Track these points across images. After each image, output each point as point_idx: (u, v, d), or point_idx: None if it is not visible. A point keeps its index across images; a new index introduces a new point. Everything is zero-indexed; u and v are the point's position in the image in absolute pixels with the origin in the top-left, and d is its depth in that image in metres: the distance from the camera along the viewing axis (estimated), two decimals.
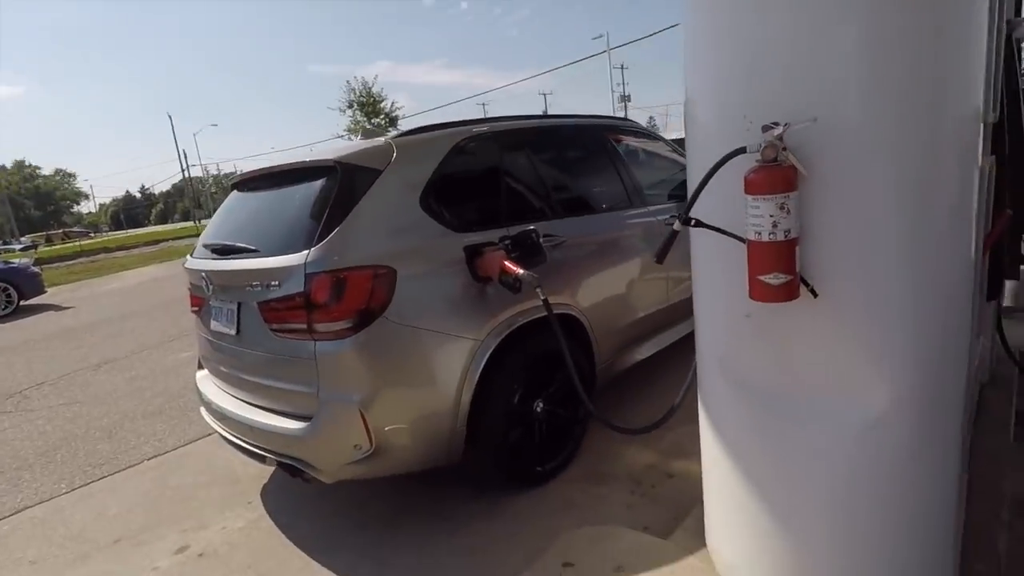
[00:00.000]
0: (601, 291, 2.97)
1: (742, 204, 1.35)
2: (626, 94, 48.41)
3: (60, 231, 57.44)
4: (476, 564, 2.21)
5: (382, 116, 30.66)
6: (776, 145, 1.21)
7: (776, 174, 1.23)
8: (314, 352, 2.13)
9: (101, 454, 3.76)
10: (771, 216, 1.24)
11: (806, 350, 1.39)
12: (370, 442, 2.14)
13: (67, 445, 3.98)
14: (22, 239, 47.68)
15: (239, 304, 2.42)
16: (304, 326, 2.12)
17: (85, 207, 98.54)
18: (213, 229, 2.83)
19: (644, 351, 3.34)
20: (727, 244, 1.42)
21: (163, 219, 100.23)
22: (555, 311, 2.54)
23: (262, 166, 2.74)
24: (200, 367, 3.05)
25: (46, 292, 11.79)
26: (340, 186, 2.24)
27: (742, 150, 1.27)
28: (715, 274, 1.55)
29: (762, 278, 1.29)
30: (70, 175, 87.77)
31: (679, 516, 2.29)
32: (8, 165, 77.43)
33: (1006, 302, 3.15)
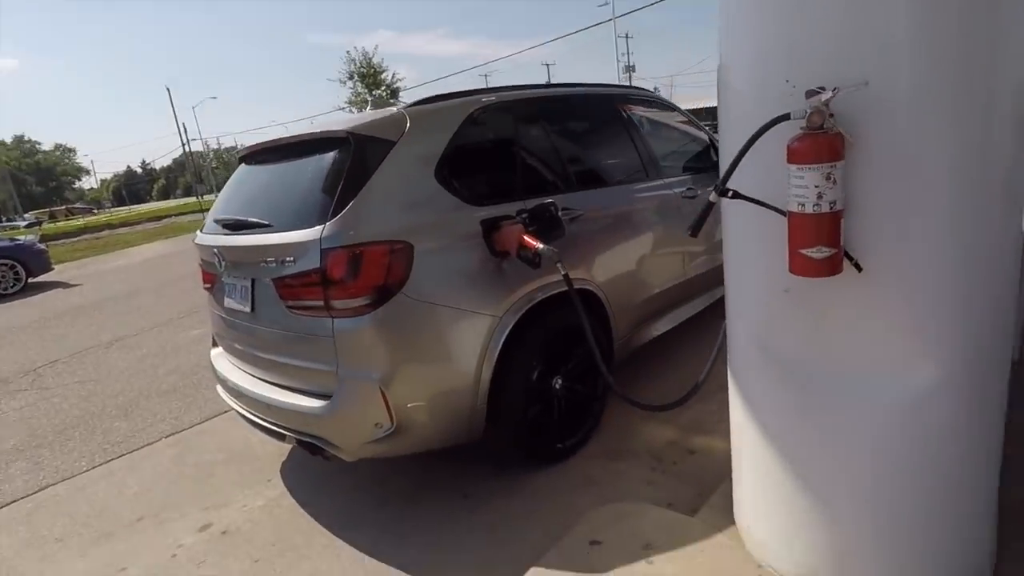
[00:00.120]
0: (618, 265, 2.91)
1: (781, 174, 1.29)
2: (631, 64, 47.49)
3: (63, 208, 57.35)
4: (496, 541, 2.22)
5: (383, 88, 30.14)
6: (823, 111, 1.14)
7: (822, 142, 1.17)
8: (332, 329, 2.09)
9: (118, 432, 3.78)
10: (816, 187, 1.18)
11: (847, 326, 1.34)
12: (391, 420, 2.12)
13: (84, 423, 4.01)
14: (25, 216, 47.68)
15: (253, 281, 2.38)
16: (321, 303, 2.09)
17: (87, 183, 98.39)
18: (223, 203, 2.78)
19: (660, 326, 3.30)
20: (763, 216, 1.36)
21: (165, 194, 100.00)
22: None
23: (270, 138, 2.67)
24: (215, 345, 3.03)
25: (53, 269, 11.80)
26: (353, 158, 2.18)
27: (786, 116, 1.20)
28: (750, 247, 1.49)
29: (804, 252, 1.24)
30: (70, 150, 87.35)
31: (703, 493, 2.28)
32: (8, 140, 76.98)
33: None
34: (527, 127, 2.75)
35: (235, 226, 2.49)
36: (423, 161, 2.28)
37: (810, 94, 1.18)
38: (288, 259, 2.13)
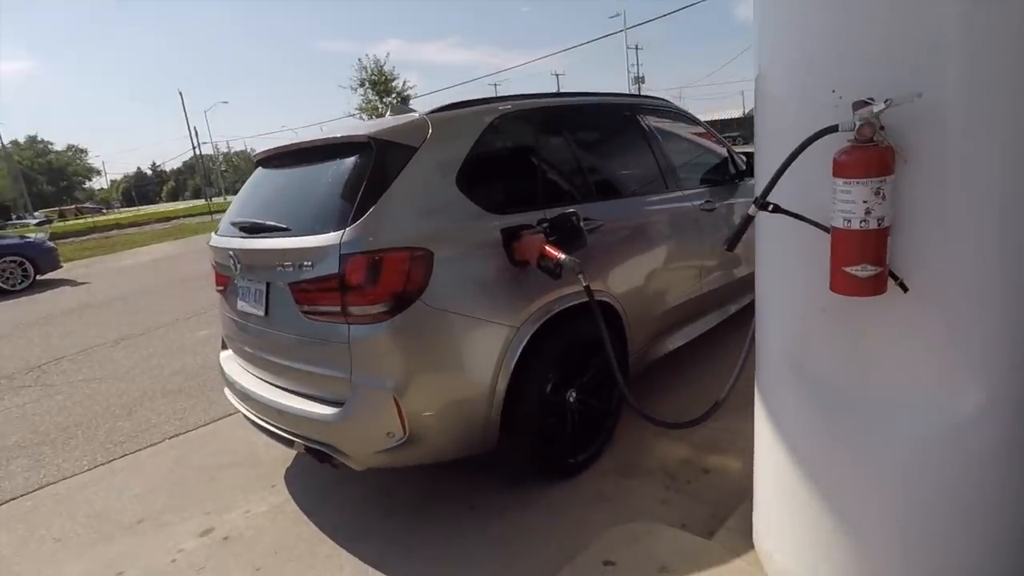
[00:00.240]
0: (636, 278, 2.87)
1: (821, 188, 1.25)
2: (640, 75, 47.74)
3: (73, 207, 57.74)
4: (510, 555, 2.16)
5: (394, 95, 30.37)
6: (874, 124, 1.10)
7: (872, 155, 1.12)
8: (347, 336, 2.05)
9: (122, 431, 3.74)
10: (864, 202, 1.13)
11: (887, 347, 1.30)
12: (404, 430, 2.07)
13: (87, 422, 3.97)
14: (35, 214, 47.99)
15: (268, 284, 2.34)
16: (338, 309, 2.05)
17: (97, 183, 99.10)
18: (239, 206, 2.75)
19: (675, 341, 3.25)
20: (801, 231, 1.32)
21: (174, 196, 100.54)
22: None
23: (288, 142, 2.65)
24: (224, 347, 2.99)
25: (62, 267, 11.83)
26: (375, 163, 2.15)
27: (834, 128, 1.16)
28: (786, 264, 1.45)
29: (848, 270, 1.19)
30: (82, 151, 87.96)
31: (718, 515, 2.22)
32: (21, 140, 77.65)
33: None
34: (548, 135, 2.72)
35: (252, 229, 2.46)
36: (444, 168, 2.25)
37: (858, 105, 1.15)
38: (306, 264, 2.10)
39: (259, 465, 3.07)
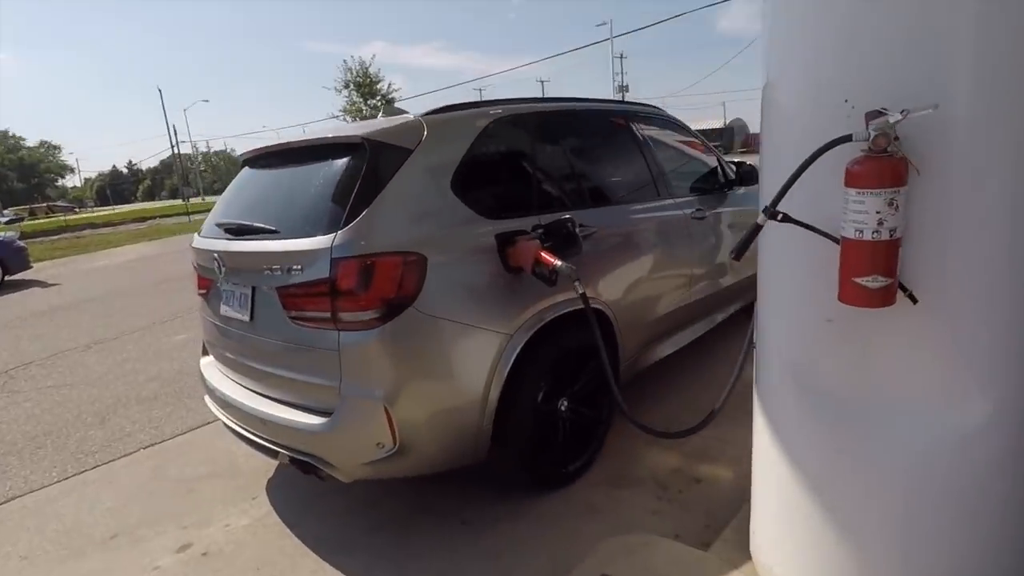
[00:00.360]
0: (628, 285, 2.85)
1: (829, 198, 1.24)
2: (624, 84, 48.27)
3: (44, 205, 56.21)
4: (502, 569, 2.10)
5: (378, 97, 30.20)
6: (889, 134, 1.09)
7: (886, 166, 1.11)
8: (337, 343, 1.99)
9: (94, 441, 3.60)
10: (877, 213, 1.12)
11: (895, 358, 1.28)
12: (394, 440, 2.01)
13: (57, 430, 3.81)
14: (5, 212, 46.65)
15: (254, 288, 2.26)
16: (327, 315, 1.98)
17: (70, 181, 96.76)
18: (224, 207, 2.67)
19: (664, 350, 3.23)
20: (808, 242, 1.30)
21: (150, 196, 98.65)
22: (581, 306, 2.41)
23: (276, 141, 2.58)
24: (205, 353, 2.90)
25: (31, 268, 11.48)
26: (368, 165, 2.09)
27: (848, 138, 1.14)
28: (790, 274, 1.43)
29: (859, 280, 1.17)
30: (55, 147, 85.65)
31: (712, 525, 2.20)
32: None
33: None
34: (542, 140, 2.69)
35: (238, 231, 2.38)
36: (440, 171, 2.20)
37: (871, 115, 1.13)
38: (295, 267, 2.03)
39: (239, 476, 2.98)
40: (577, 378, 2.56)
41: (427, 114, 2.35)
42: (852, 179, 1.14)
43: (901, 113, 1.07)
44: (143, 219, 32.33)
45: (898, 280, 1.19)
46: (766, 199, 1.42)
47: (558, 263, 2.12)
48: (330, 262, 1.94)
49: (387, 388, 1.99)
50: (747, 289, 3.98)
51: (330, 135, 2.33)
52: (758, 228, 1.30)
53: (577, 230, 2.34)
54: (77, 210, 59.53)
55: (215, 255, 2.39)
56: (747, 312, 4.11)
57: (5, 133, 78.05)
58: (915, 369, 1.26)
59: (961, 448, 1.24)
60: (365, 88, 29.66)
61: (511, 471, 2.41)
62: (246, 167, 2.79)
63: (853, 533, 1.40)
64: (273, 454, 2.27)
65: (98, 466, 3.26)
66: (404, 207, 2.09)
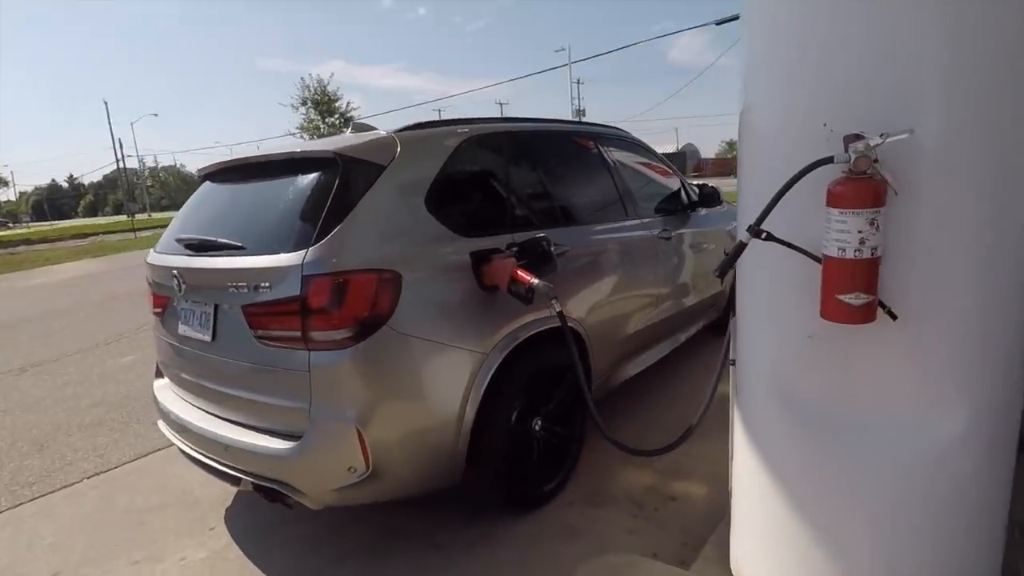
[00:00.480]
0: (599, 304, 2.86)
1: (810, 218, 1.27)
2: (581, 108, 49.36)
3: None
4: None
5: (336, 116, 29.92)
6: (869, 156, 1.13)
7: (866, 187, 1.15)
8: (307, 363, 1.91)
9: (31, 471, 3.34)
10: (859, 232, 1.15)
11: (875, 372, 1.32)
12: (367, 464, 1.93)
13: None
14: None
15: (216, 307, 2.16)
16: (297, 334, 1.91)
17: (2, 194, 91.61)
18: (184, 222, 2.55)
19: (632, 369, 3.26)
20: (788, 259, 1.33)
21: (92, 211, 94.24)
22: (555, 324, 2.41)
23: (241, 155, 2.50)
24: (159, 375, 2.75)
25: None
26: (340, 181, 2.04)
27: (829, 159, 1.18)
28: (772, 291, 1.46)
29: (841, 297, 1.20)
30: None
31: (688, 542, 2.20)
32: None
33: None
34: (516, 159, 2.70)
35: (200, 246, 2.28)
36: (413, 188, 2.17)
37: (850, 138, 1.17)
38: (263, 285, 1.95)
39: (195, 505, 2.81)
40: (551, 397, 2.54)
41: (400, 131, 2.32)
42: (834, 199, 1.18)
43: (881, 136, 1.11)
44: (84, 235, 30.82)
45: (878, 297, 1.23)
46: (746, 219, 1.45)
47: (535, 281, 2.11)
48: (301, 279, 1.88)
49: (360, 410, 1.92)
50: (708, 308, 4.07)
51: (298, 149, 2.27)
52: (742, 247, 1.32)
53: (552, 248, 2.34)
54: (11, 225, 56.30)
55: (174, 272, 2.28)
56: (709, 330, 4.21)
57: None
58: (895, 382, 1.30)
59: (941, 458, 1.28)
60: (323, 106, 29.37)
61: (486, 492, 2.35)
62: (207, 181, 2.69)
63: (838, 545, 1.41)
64: (235, 481, 2.15)
65: (36, 498, 3.03)
66: (377, 224, 2.04)
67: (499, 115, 3.37)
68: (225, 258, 2.12)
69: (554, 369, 2.51)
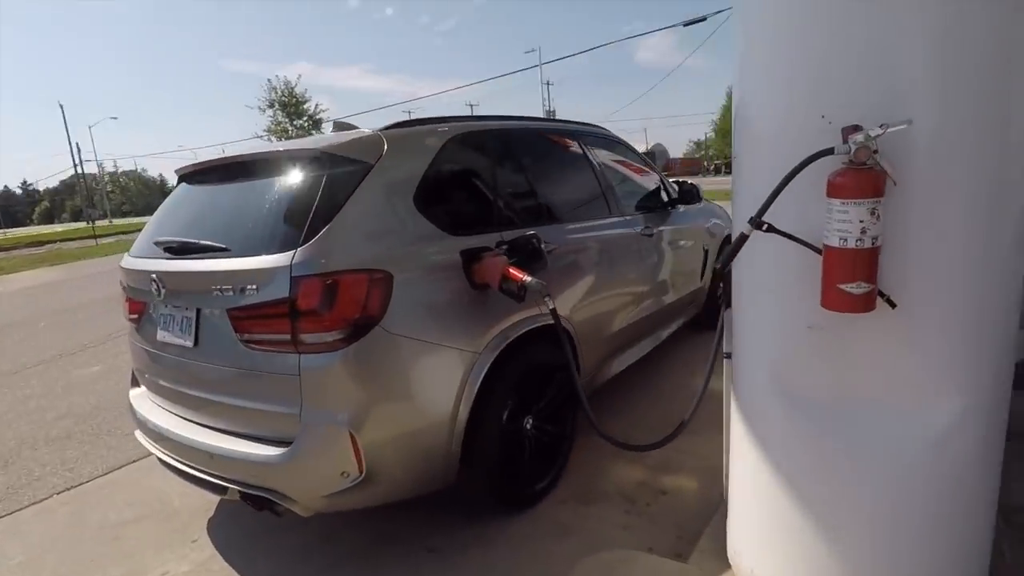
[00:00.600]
0: (586, 302, 2.87)
1: (808, 209, 1.29)
2: (551, 109, 49.77)
3: None
4: None
5: (305, 118, 29.49)
6: (869, 147, 1.15)
7: (866, 178, 1.17)
8: (298, 367, 1.86)
9: None
10: (861, 222, 1.17)
11: (874, 361, 1.34)
12: (360, 468, 1.89)
13: None
14: None
15: (199, 311, 2.09)
16: (287, 337, 1.85)
17: None
18: (161, 224, 2.47)
19: (617, 366, 3.27)
20: (786, 251, 1.35)
21: (49, 218, 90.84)
22: (545, 323, 2.41)
23: (223, 155, 2.43)
24: (135, 384, 2.65)
25: None
26: (328, 180, 2.00)
27: (830, 151, 1.19)
28: (770, 282, 1.47)
29: (843, 287, 1.22)
30: None
31: (683, 536, 2.21)
32: None
33: None
34: (502, 157, 2.69)
35: (181, 249, 2.20)
36: (401, 186, 2.13)
37: (849, 130, 1.19)
38: (250, 287, 1.89)
39: (174, 517, 2.71)
40: (542, 395, 2.54)
41: (385, 129, 2.28)
42: (835, 190, 1.19)
43: (881, 127, 1.13)
44: (41, 243, 29.62)
45: (877, 286, 1.25)
46: (743, 212, 1.47)
47: (528, 279, 2.10)
48: (290, 280, 1.83)
49: (352, 413, 1.88)
50: (688, 305, 4.12)
51: (282, 147, 2.21)
52: (744, 238, 1.33)
53: (543, 246, 2.33)
54: None
55: (153, 276, 2.20)
56: (688, 327, 4.26)
57: None
58: (893, 371, 1.33)
59: (940, 444, 1.31)
60: (291, 108, 28.91)
61: (479, 493, 2.33)
62: (183, 183, 2.60)
63: (838, 533, 1.44)
64: (221, 490, 2.08)
65: (2, 516, 2.89)
66: (366, 223, 2.01)
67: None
68: (208, 260, 2.06)
69: (544, 367, 2.50)
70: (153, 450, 2.38)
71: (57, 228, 52.51)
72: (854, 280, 1.21)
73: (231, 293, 1.94)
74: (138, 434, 2.52)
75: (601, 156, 3.41)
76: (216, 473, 2.08)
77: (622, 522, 2.38)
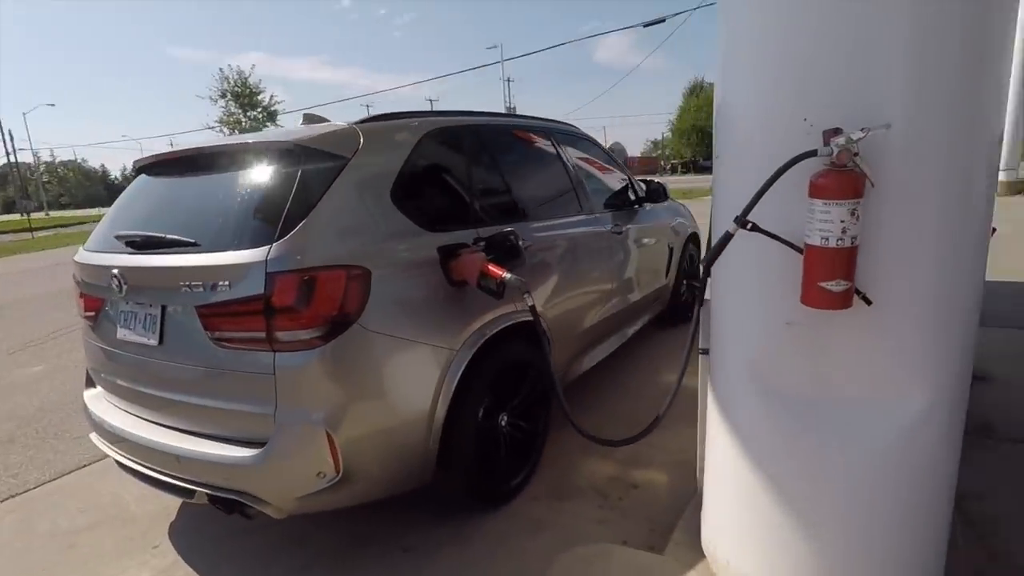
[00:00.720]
0: (559, 298, 2.89)
1: (790, 209, 1.33)
2: (512, 106, 49.86)
3: None
4: None
5: (259, 109, 28.60)
6: (850, 150, 1.19)
7: (847, 179, 1.21)
8: (272, 366, 1.81)
9: None
10: (842, 222, 1.22)
11: (848, 357, 1.40)
12: (336, 468, 1.85)
13: None
14: None
15: (164, 308, 2.00)
16: (261, 335, 1.80)
17: None
18: (119, 219, 2.35)
19: (587, 363, 3.31)
20: (766, 249, 1.39)
21: None
22: (520, 320, 2.41)
23: (186, 146, 2.33)
24: (90, 384, 2.52)
25: None
26: (303, 174, 1.94)
27: (813, 152, 1.24)
28: (750, 280, 1.52)
29: (824, 285, 1.27)
30: None
31: (656, 529, 2.26)
32: None
33: None
34: (479, 153, 2.67)
35: (144, 244, 2.10)
36: (378, 181, 2.10)
37: (830, 133, 1.23)
38: (221, 283, 1.82)
39: (132, 523, 2.60)
40: (517, 392, 2.54)
41: (361, 122, 2.24)
42: (817, 191, 1.24)
43: (862, 131, 1.18)
44: None
45: (855, 284, 1.30)
46: (725, 212, 1.50)
47: (507, 275, 2.10)
48: (265, 277, 1.77)
49: (329, 412, 1.84)
50: (653, 303, 4.20)
51: (253, 140, 2.14)
52: (729, 237, 1.37)
53: (520, 243, 2.34)
54: None
55: (114, 271, 2.09)
56: (653, 324, 4.34)
57: None
58: (867, 366, 1.39)
59: (909, 437, 1.38)
60: (244, 99, 27.98)
61: (455, 491, 2.32)
62: (142, 174, 2.49)
63: (812, 522, 1.49)
64: (188, 494, 2.01)
65: None
66: (343, 218, 1.96)
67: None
68: (176, 256, 1.97)
69: (519, 364, 2.51)
70: (111, 453, 2.27)
71: None
72: (834, 278, 1.26)
73: (201, 289, 1.86)
74: (94, 436, 2.40)
75: (572, 153, 3.43)
76: (183, 476, 2.00)
77: (596, 516, 2.41)
